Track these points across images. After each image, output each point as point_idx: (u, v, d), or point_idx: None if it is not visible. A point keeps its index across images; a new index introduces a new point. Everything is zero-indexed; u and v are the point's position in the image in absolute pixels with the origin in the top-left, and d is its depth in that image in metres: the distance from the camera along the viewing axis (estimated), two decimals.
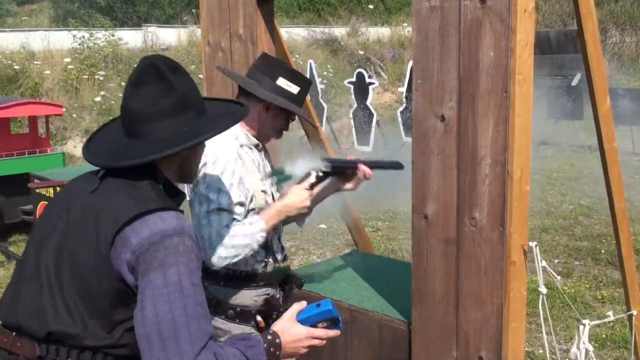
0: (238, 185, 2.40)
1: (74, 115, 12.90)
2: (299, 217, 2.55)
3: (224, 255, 2.33)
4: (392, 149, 11.95)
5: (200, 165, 2.32)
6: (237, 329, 2.49)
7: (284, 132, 2.65)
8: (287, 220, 2.57)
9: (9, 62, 13.38)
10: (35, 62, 13.67)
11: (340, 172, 2.63)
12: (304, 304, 1.89)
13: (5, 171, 7.30)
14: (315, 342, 1.86)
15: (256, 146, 2.59)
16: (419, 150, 2.57)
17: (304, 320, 1.85)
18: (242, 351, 1.67)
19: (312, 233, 7.60)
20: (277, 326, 1.82)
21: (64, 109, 8.12)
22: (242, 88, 2.55)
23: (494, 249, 2.36)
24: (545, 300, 2.45)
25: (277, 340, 1.78)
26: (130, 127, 1.75)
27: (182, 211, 1.74)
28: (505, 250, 2.33)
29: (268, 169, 2.65)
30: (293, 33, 17.83)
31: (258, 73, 2.55)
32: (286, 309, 1.90)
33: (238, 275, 2.52)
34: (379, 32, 19.75)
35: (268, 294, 2.57)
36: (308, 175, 2.53)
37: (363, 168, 2.64)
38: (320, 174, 2.53)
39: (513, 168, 2.28)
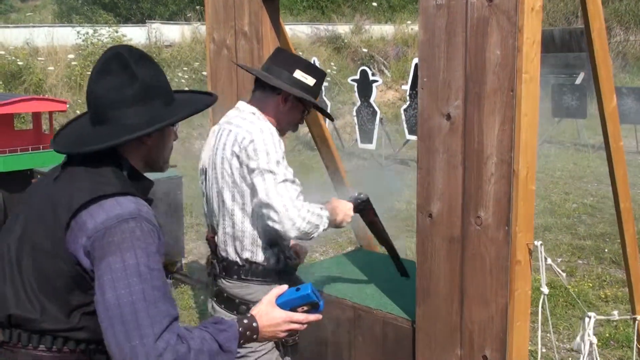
0: (285, 162, 2.46)
1: (78, 112, 12.89)
2: (330, 227, 2.60)
3: (301, 227, 2.38)
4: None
5: (247, 143, 2.42)
6: None
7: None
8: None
9: (13, 58, 13.38)
10: (39, 58, 13.67)
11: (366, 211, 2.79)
12: (284, 287, 1.91)
13: (9, 167, 7.29)
14: (295, 326, 1.86)
15: None
16: (424, 148, 2.57)
17: (283, 304, 1.85)
18: (213, 335, 1.67)
19: None
20: (255, 310, 1.84)
21: (67, 105, 8.10)
22: (259, 81, 2.58)
23: (499, 248, 2.36)
24: (546, 301, 2.45)
25: (253, 324, 1.79)
26: (95, 115, 1.77)
27: (149, 199, 1.77)
28: (511, 249, 2.33)
29: None
30: (297, 30, 17.81)
31: (274, 66, 2.59)
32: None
33: (254, 270, 2.53)
34: (382, 30, 19.72)
35: None
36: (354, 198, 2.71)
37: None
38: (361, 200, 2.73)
39: (519, 167, 2.28)
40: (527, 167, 2.31)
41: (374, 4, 22.24)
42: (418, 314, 2.67)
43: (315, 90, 2.60)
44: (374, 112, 11.56)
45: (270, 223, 2.39)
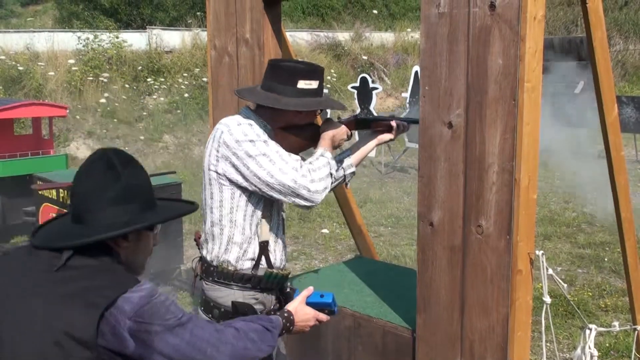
0: (273, 142, 2.54)
1: (78, 117, 12.90)
2: (340, 145, 2.77)
3: (318, 188, 2.50)
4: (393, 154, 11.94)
5: (226, 136, 2.48)
6: None
7: None
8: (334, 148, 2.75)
9: (13, 63, 13.38)
10: (39, 63, 13.68)
11: (376, 125, 2.92)
12: (311, 289, 2.31)
13: (8, 172, 7.29)
14: (316, 323, 2.28)
15: None
16: (425, 156, 2.56)
17: (311, 304, 2.27)
18: (257, 322, 2.00)
19: (314, 238, 7.58)
20: (291, 306, 2.21)
21: (67, 111, 8.10)
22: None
23: (500, 258, 2.35)
24: (549, 309, 2.44)
25: (291, 317, 2.17)
26: (76, 213, 1.81)
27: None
28: (512, 258, 2.32)
29: None
30: (297, 37, 17.85)
31: (275, 84, 2.56)
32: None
33: (227, 273, 2.53)
34: (382, 38, 19.76)
35: (256, 299, 2.56)
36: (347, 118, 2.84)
37: (397, 122, 2.90)
38: (355, 118, 2.86)
39: (520, 176, 2.27)
40: (528, 176, 2.31)
41: (375, 11, 22.30)
42: (418, 323, 2.66)
43: (320, 89, 2.63)
44: None
45: (289, 200, 2.50)
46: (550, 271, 2.35)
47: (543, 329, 2.43)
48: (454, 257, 2.50)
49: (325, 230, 7.82)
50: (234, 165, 2.47)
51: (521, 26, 2.23)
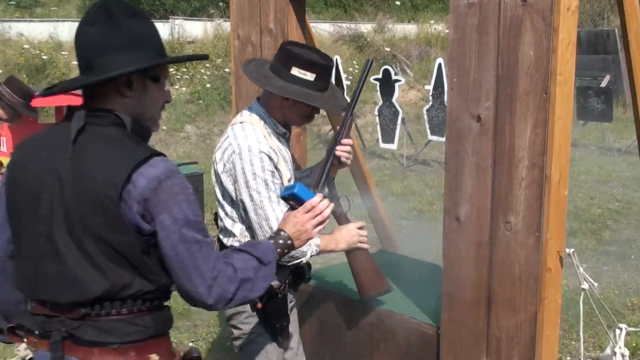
0: (272, 175, 2.55)
1: None
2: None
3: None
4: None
5: (229, 154, 2.54)
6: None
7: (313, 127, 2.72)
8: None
9: (37, 52, 13.46)
10: (62, 52, 13.74)
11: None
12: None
13: None
14: (318, 218, 2.09)
15: (283, 135, 2.70)
16: (452, 150, 2.51)
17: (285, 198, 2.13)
18: (250, 252, 1.88)
19: None
20: (280, 225, 2.09)
21: None
22: None
23: (529, 255, 2.29)
24: (582, 306, 2.38)
25: (282, 233, 2.03)
26: (82, 63, 1.82)
27: (161, 154, 1.80)
28: (541, 256, 2.26)
29: (288, 155, 2.74)
30: (319, 28, 17.75)
31: (277, 64, 2.62)
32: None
33: None
34: (405, 29, 19.59)
35: None
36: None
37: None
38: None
39: (551, 172, 2.21)
40: (559, 171, 2.24)
41: (397, 2, 22.11)
42: (443, 320, 2.61)
43: (318, 84, 2.58)
44: (396, 112, 11.47)
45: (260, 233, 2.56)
46: (582, 270, 2.28)
47: (581, 326, 2.37)
48: (480, 253, 2.45)
49: None
50: (233, 183, 2.58)
51: (554, 17, 2.16)
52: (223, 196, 2.65)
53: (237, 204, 2.60)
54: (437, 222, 2.62)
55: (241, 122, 2.62)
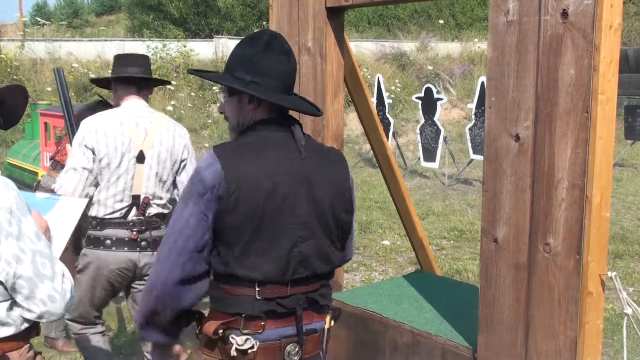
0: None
1: None
2: None
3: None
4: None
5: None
6: None
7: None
8: None
9: (85, 70, 13.79)
10: (109, 71, 14.02)
11: None
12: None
13: None
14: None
15: None
16: (490, 170, 2.46)
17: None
18: None
19: (374, 249, 7.49)
20: None
21: None
22: None
23: (569, 278, 2.23)
24: (625, 336, 2.30)
25: None
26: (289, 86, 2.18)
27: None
28: (582, 279, 2.20)
29: None
30: (362, 47, 17.79)
31: None
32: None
33: None
34: (448, 48, 19.51)
35: None
36: None
37: None
38: None
39: (592, 193, 2.15)
40: (601, 192, 2.18)
41: (441, 21, 22.05)
42: (480, 343, 2.55)
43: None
44: (438, 131, 11.40)
45: None
46: (625, 294, 2.21)
47: (625, 352, 2.29)
48: (519, 275, 2.39)
49: (386, 242, 7.71)
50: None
51: (596, 35, 2.12)
52: None
53: None
54: (478, 242, 2.57)
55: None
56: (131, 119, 3.39)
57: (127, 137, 3.36)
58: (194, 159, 3.61)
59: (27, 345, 2.01)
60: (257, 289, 2.01)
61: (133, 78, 3.48)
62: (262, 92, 2.04)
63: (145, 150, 3.40)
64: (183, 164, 3.56)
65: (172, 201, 3.54)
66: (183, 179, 3.52)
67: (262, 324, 2.02)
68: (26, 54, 13.94)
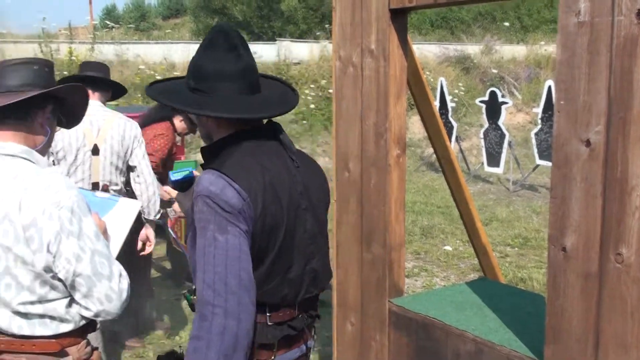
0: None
1: None
2: None
3: None
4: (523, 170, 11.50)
5: None
6: None
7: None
8: None
9: (152, 72, 14.12)
10: (174, 73, 14.33)
11: None
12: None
13: None
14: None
15: None
16: (559, 175, 2.38)
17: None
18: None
19: (436, 254, 7.39)
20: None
21: None
22: None
23: None
24: None
25: None
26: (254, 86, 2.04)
27: None
28: None
29: None
30: (424, 50, 17.64)
31: None
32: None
33: None
34: (514, 51, 19.16)
35: None
36: None
37: None
38: None
39: None
40: None
41: (506, 24, 21.66)
42: (547, 355, 2.47)
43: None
44: (502, 135, 11.19)
45: None
46: None
47: None
48: (588, 286, 2.30)
49: (448, 247, 7.60)
50: None
51: None
52: None
53: None
54: (544, 250, 2.50)
55: None
56: (86, 118, 3.53)
57: (82, 133, 4.00)
58: (144, 146, 4.29)
59: (85, 341, 2.05)
60: (269, 314, 1.88)
61: (87, 80, 4.00)
62: (204, 106, 1.81)
63: (99, 143, 4.06)
64: (134, 151, 4.24)
65: (126, 184, 4.26)
66: (134, 161, 4.22)
67: (274, 350, 1.92)
68: (96, 56, 14.35)
